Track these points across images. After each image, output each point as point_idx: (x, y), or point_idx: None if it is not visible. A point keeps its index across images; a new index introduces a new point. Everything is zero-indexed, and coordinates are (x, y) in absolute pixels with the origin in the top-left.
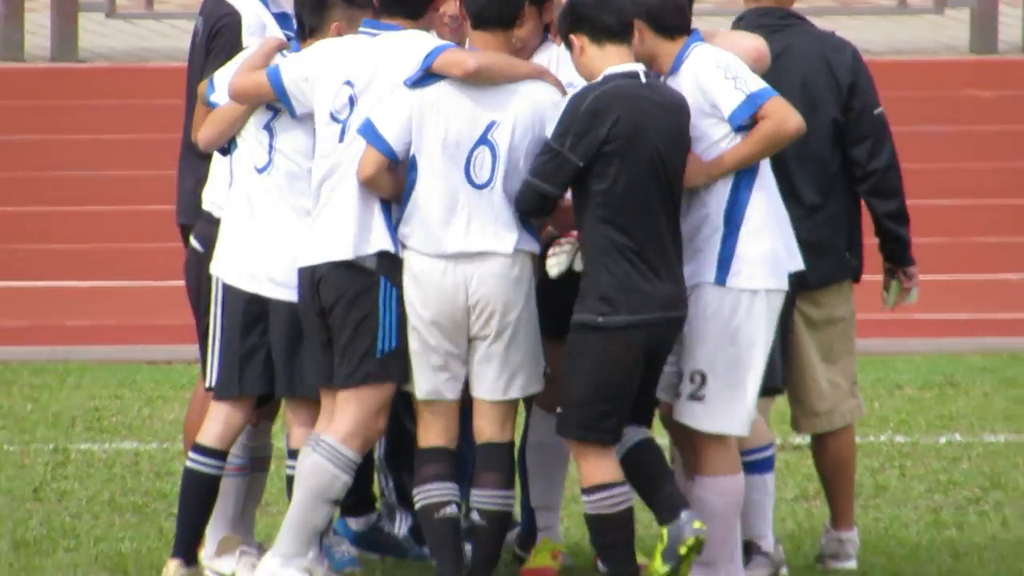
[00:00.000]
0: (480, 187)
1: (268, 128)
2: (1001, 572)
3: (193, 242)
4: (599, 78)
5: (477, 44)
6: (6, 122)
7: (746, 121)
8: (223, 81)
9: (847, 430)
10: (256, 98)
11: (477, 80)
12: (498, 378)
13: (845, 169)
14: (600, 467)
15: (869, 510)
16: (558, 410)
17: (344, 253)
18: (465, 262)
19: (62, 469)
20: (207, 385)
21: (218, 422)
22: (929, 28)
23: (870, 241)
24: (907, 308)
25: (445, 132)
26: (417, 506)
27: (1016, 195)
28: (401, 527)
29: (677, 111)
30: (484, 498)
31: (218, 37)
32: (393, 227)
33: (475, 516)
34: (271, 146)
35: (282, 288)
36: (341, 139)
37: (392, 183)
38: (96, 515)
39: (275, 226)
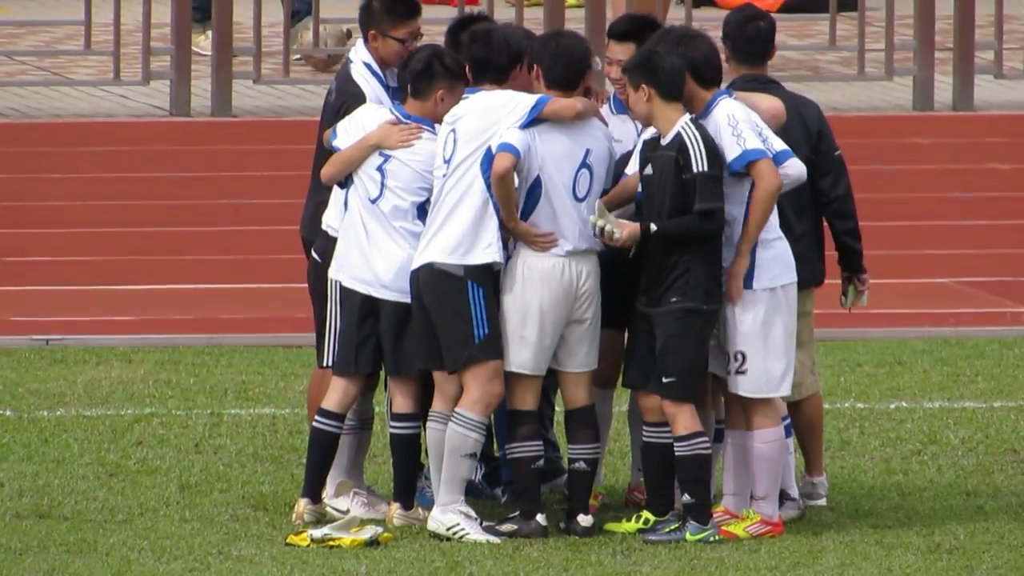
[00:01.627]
0: (580, 200)
1: (380, 170)
2: (936, 507)
3: (313, 254)
4: (685, 120)
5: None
6: (178, 163)
7: (740, 170)
8: (343, 130)
9: (816, 397)
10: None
11: (580, 120)
12: (589, 352)
13: (813, 197)
14: (694, 419)
15: (836, 460)
16: (665, 380)
17: (435, 258)
18: (576, 259)
19: (217, 429)
20: (326, 364)
21: (338, 392)
22: (882, 90)
23: (830, 253)
24: (866, 305)
25: (560, 160)
26: (514, 456)
27: (947, 217)
28: (477, 475)
29: None
30: (585, 450)
31: (347, 111)
32: (500, 235)
33: (579, 465)
34: (383, 183)
35: (389, 291)
36: (446, 172)
37: (513, 185)
38: (243, 464)
39: (383, 244)
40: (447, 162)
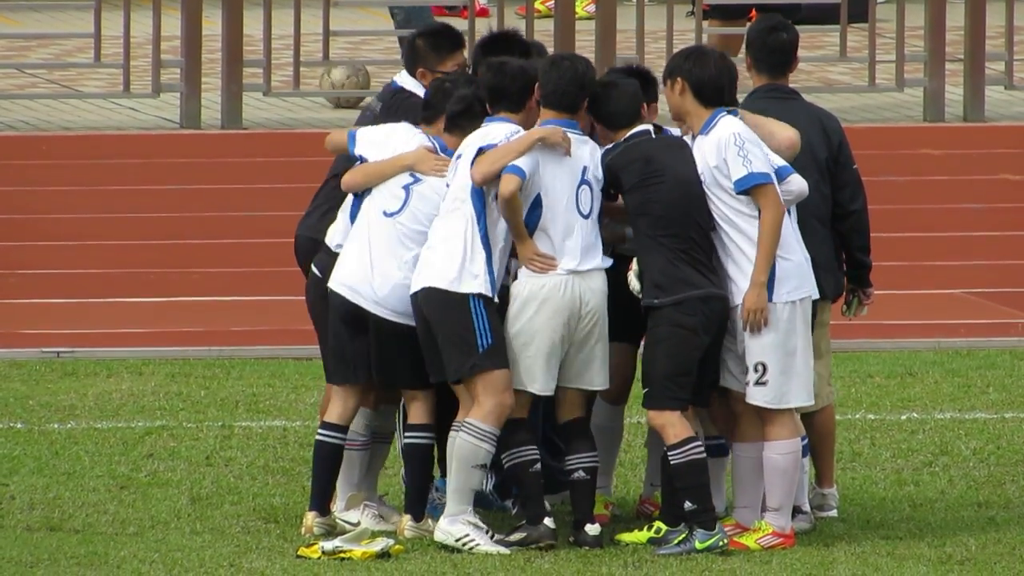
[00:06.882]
0: (586, 216)
1: (407, 188)
2: (948, 519)
3: (313, 268)
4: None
5: (546, 118)
6: (188, 175)
7: (744, 190)
8: (371, 142)
9: (829, 408)
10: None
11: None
12: (600, 372)
13: (832, 209)
14: (684, 426)
15: (847, 471)
16: (644, 391)
17: (432, 283)
18: (580, 277)
19: (228, 441)
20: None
21: (338, 404)
22: (892, 102)
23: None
24: (877, 316)
25: (562, 177)
26: (512, 462)
27: (958, 229)
28: (487, 485)
29: (681, 146)
30: (583, 459)
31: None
32: (490, 269)
33: (579, 474)
34: (406, 201)
35: (380, 307)
36: (445, 194)
37: (520, 207)
38: (254, 477)
39: (385, 259)
40: (447, 185)
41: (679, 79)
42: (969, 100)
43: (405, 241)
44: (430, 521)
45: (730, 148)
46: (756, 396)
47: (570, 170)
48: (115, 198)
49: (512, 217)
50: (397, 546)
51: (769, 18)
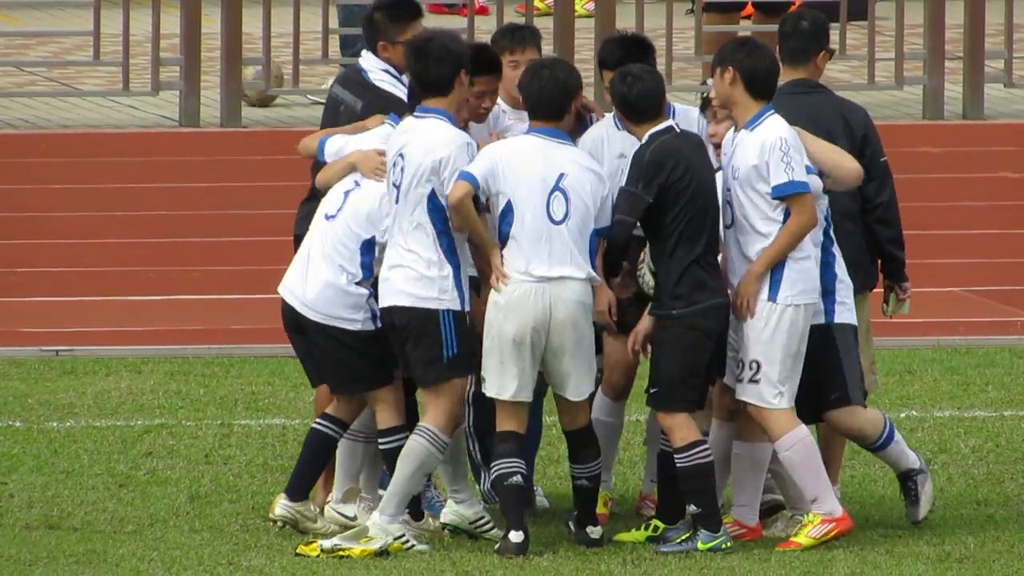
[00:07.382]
0: (557, 223)
1: (346, 194)
2: (947, 516)
3: None
4: (645, 138)
5: (534, 127)
6: (187, 173)
7: (781, 196)
8: (333, 144)
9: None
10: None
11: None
12: (580, 383)
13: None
14: (691, 429)
15: (847, 469)
16: (651, 391)
17: (402, 302)
18: (550, 285)
19: (227, 440)
20: None
21: (335, 400)
22: (892, 99)
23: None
24: (876, 314)
25: (531, 183)
26: (493, 474)
27: (957, 227)
28: (484, 483)
29: (702, 146)
30: (588, 468)
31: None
32: (458, 283)
33: (582, 482)
34: (341, 208)
35: (309, 309)
36: (397, 201)
37: (474, 215)
38: (253, 475)
39: (319, 263)
40: (396, 186)
41: (731, 68)
42: (968, 98)
43: (337, 246)
44: (429, 519)
45: (775, 152)
46: (748, 393)
47: (541, 177)
48: (114, 196)
49: (467, 224)
50: (395, 544)
51: (800, 7)
